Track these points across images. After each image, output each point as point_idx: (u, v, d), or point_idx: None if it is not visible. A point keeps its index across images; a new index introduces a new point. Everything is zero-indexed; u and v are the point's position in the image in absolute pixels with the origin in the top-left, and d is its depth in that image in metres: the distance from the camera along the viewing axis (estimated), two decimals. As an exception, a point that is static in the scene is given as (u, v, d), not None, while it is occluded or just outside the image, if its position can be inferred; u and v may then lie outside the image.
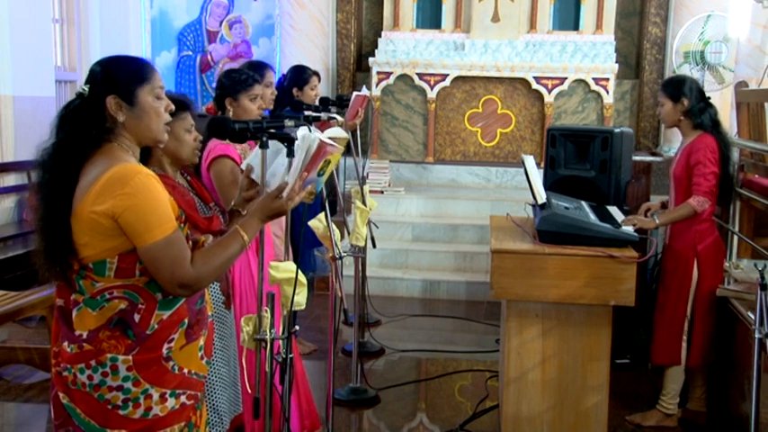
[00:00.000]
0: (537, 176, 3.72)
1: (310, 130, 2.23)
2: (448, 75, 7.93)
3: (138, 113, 1.96)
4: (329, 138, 2.39)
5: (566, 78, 7.82)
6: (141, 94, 1.96)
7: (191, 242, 2.00)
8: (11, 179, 6.53)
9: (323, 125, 3.92)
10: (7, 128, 6.48)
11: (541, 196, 3.59)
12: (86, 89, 1.94)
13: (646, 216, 3.94)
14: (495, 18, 8.02)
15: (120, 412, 1.92)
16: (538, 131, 7.99)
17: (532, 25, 8.09)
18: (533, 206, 3.77)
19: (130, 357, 1.91)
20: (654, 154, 7.40)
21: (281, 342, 2.48)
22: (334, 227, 3.52)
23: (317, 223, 3.50)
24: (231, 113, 3.24)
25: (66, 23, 7.80)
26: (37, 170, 1.94)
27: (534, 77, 7.84)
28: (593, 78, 7.80)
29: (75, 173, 1.89)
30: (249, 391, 2.40)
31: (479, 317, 5.81)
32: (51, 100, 6.95)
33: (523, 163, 3.82)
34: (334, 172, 3.38)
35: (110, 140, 1.94)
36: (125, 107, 1.94)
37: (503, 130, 8.09)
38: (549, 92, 7.85)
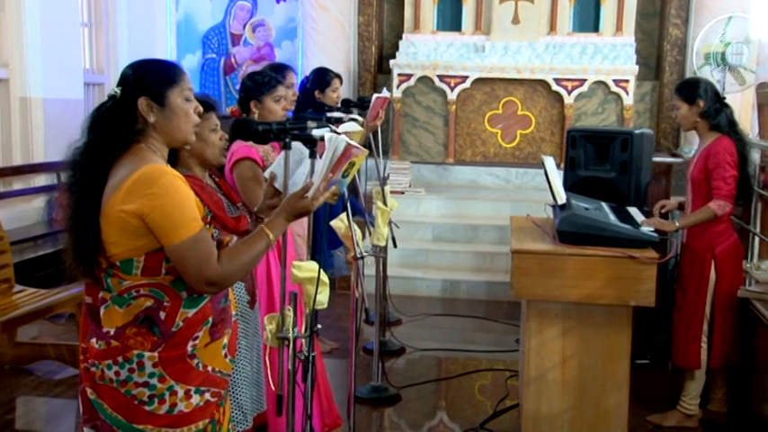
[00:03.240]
0: (557, 177, 3.70)
1: (337, 133, 2.24)
2: (468, 76, 7.91)
3: (168, 114, 1.98)
4: (345, 132, 2.40)
5: (585, 80, 7.77)
6: (171, 96, 1.98)
7: (215, 242, 2.01)
8: (41, 179, 6.60)
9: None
10: (37, 129, 6.56)
11: (561, 197, 3.57)
12: (118, 91, 1.96)
13: (661, 213, 3.91)
14: (515, 20, 7.99)
15: (146, 408, 1.93)
16: (558, 133, 7.95)
17: (552, 27, 8.05)
18: (553, 207, 3.75)
19: (156, 354, 1.93)
20: (674, 155, 7.33)
21: (303, 340, 2.49)
22: (355, 227, 3.52)
23: (339, 223, 3.50)
24: (256, 115, 3.25)
25: (95, 27, 7.88)
26: (68, 169, 1.96)
27: (554, 79, 7.80)
28: (613, 80, 7.75)
29: (104, 172, 1.91)
30: (273, 388, 2.40)
31: (499, 316, 5.78)
32: (80, 102, 7.02)
33: (543, 164, 3.80)
34: (356, 172, 3.38)
35: (139, 141, 1.96)
36: (155, 108, 1.96)
37: (523, 132, 8.06)
38: (569, 93, 7.81)
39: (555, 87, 7.83)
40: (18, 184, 6.40)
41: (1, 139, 6.47)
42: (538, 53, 7.94)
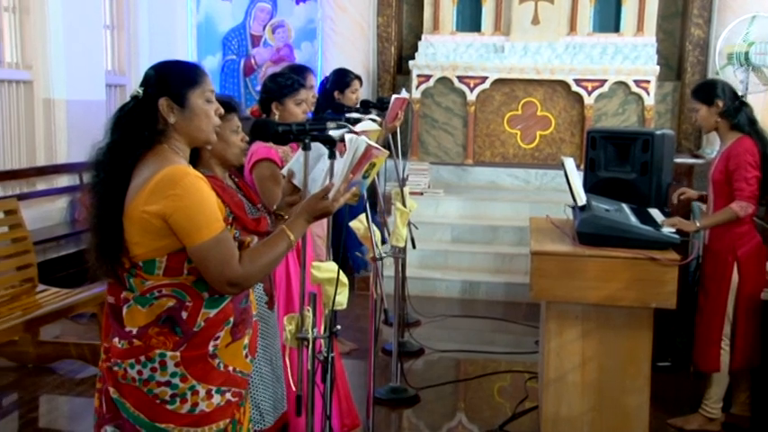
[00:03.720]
0: (577, 178, 3.68)
1: (355, 132, 2.24)
2: (487, 77, 7.89)
3: (189, 115, 1.99)
4: (362, 131, 2.40)
5: (606, 80, 7.72)
6: (192, 97, 1.99)
7: (237, 243, 2.02)
8: (64, 180, 6.67)
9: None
10: (60, 130, 6.63)
11: (581, 198, 3.55)
12: (141, 91, 1.98)
13: (679, 199, 3.88)
14: (535, 20, 7.95)
15: (168, 407, 1.95)
16: (577, 133, 7.90)
17: (572, 27, 8.01)
18: (573, 208, 3.73)
19: (178, 353, 1.94)
20: (695, 156, 7.27)
21: (322, 341, 2.49)
22: (374, 228, 3.53)
23: (359, 224, 3.51)
24: (277, 117, 3.26)
25: (116, 29, 7.94)
26: (91, 169, 1.98)
27: (574, 80, 7.77)
28: (634, 80, 7.69)
29: (127, 173, 1.93)
30: (293, 388, 2.41)
31: (518, 318, 5.76)
32: (102, 103, 7.09)
33: (563, 165, 3.78)
34: (376, 174, 3.39)
35: (161, 142, 1.97)
36: (176, 109, 1.98)
37: (542, 132, 8.03)
38: (589, 94, 7.77)
39: (575, 88, 7.79)
40: (41, 184, 6.47)
41: (25, 140, 6.55)
42: (558, 53, 7.90)
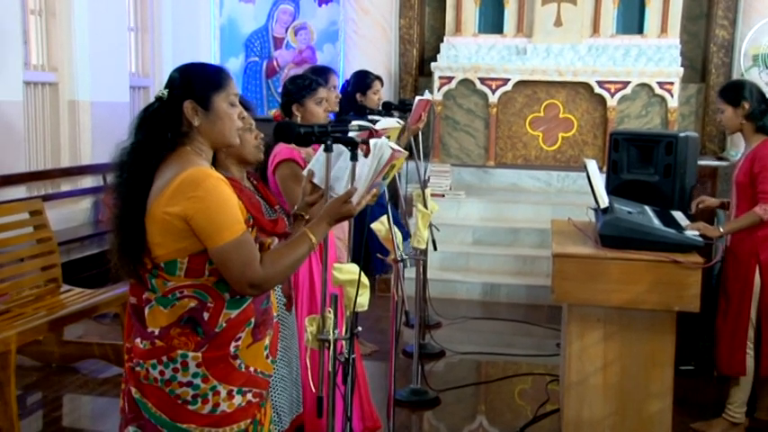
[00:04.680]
0: (599, 180, 3.66)
1: (375, 131, 2.25)
2: (510, 79, 7.86)
3: (213, 119, 2.00)
4: (383, 129, 2.40)
5: (629, 82, 7.66)
6: (216, 100, 2.00)
7: (257, 244, 2.03)
8: (88, 181, 6.73)
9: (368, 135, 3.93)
10: (85, 132, 6.71)
11: (604, 200, 3.52)
12: (165, 93, 1.99)
13: (698, 209, 3.83)
14: (558, 22, 7.91)
15: (190, 407, 1.96)
16: (600, 136, 7.85)
17: (595, 29, 7.95)
18: (595, 210, 3.70)
19: (200, 354, 1.95)
20: (720, 158, 7.19)
21: (343, 342, 2.49)
22: (396, 230, 3.52)
23: (380, 226, 3.51)
24: (298, 118, 3.27)
25: (141, 32, 8.02)
26: (114, 170, 2.00)
27: (597, 81, 7.71)
28: (658, 82, 7.63)
29: (150, 174, 1.94)
30: (313, 390, 2.42)
31: (540, 320, 5.73)
32: (126, 105, 7.16)
33: (585, 167, 3.76)
34: (396, 175, 3.39)
35: (184, 144, 1.99)
36: (200, 112, 1.99)
37: (564, 135, 7.98)
38: (612, 96, 7.71)
39: (598, 90, 7.74)
40: (66, 185, 6.53)
41: (50, 141, 6.63)
42: (580, 55, 7.86)
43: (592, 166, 3.73)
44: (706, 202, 3.91)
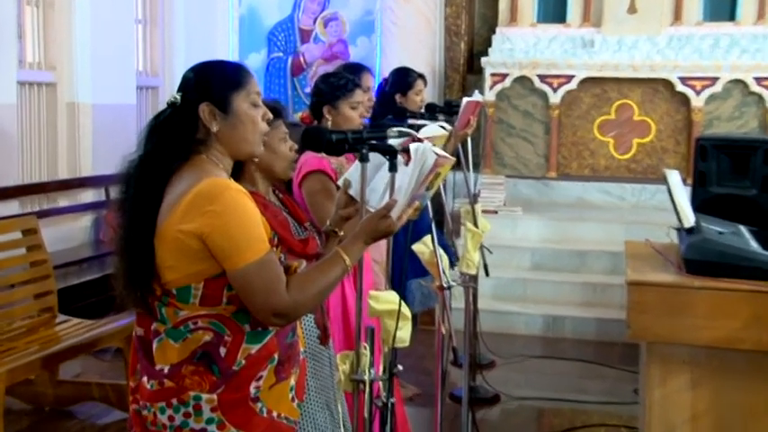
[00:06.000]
0: (683, 195, 3.62)
1: (418, 139, 2.25)
2: (574, 76, 7.83)
3: (233, 122, 2.02)
4: (427, 137, 2.40)
5: (718, 78, 7.58)
6: (237, 101, 2.02)
7: (283, 267, 2.04)
8: (88, 195, 6.82)
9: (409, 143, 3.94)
10: (85, 138, 6.82)
11: (689, 218, 3.48)
12: (178, 97, 2.02)
13: None
14: (632, 9, 7.86)
15: (203, 459, 1.96)
16: (683, 142, 7.77)
17: (677, 16, 7.89)
18: (678, 230, 3.66)
19: (215, 396, 1.96)
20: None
21: (381, 384, 2.49)
22: (441, 252, 3.52)
23: (423, 248, 3.50)
24: (330, 123, 3.29)
25: (149, 24, 8.14)
26: (120, 184, 2.03)
27: (679, 78, 7.64)
28: (755, 78, 7.52)
29: (161, 188, 1.96)
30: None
31: (613, 361, 5.67)
32: (132, 108, 7.28)
33: (666, 179, 3.72)
34: (441, 188, 3.39)
35: (199, 152, 2.01)
36: (219, 115, 2.01)
37: (640, 141, 7.92)
38: (698, 94, 7.63)
39: (680, 87, 7.67)
40: (63, 200, 6.64)
41: (46, 149, 6.75)
42: (659, 47, 7.80)
43: (673, 177, 3.70)
44: None
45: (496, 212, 6.99)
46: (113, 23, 7.02)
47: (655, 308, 3.24)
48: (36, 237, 4.70)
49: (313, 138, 2.42)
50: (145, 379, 2.01)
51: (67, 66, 6.74)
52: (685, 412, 3.29)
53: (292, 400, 2.09)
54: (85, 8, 6.72)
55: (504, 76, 7.97)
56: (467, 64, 8.68)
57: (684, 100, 7.73)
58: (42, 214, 5.89)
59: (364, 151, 2.33)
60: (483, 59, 8.07)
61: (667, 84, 7.73)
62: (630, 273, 3.37)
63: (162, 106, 2.09)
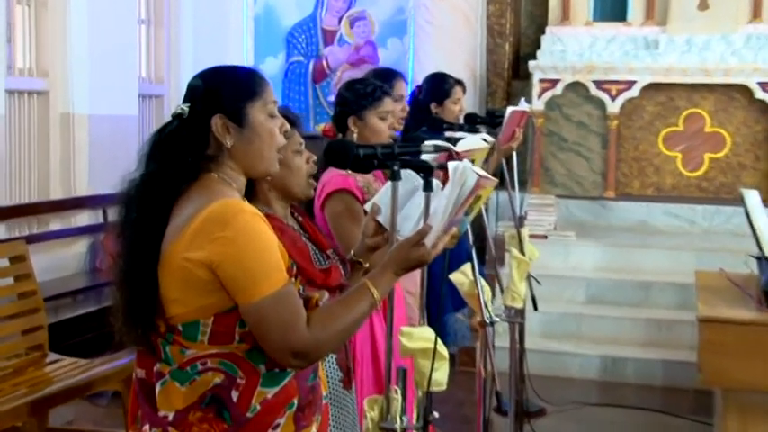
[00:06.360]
0: (763, 218, 3.60)
1: (456, 154, 2.25)
2: (636, 82, 7.82)
3: (249, 136, 2.04)
4: (465, 150, 2.40)
5: (806, 84, 7.54)
6: (252, 112, 2.04)
7: (302, 300, 2.04)
8: (83, 218, 6.86)
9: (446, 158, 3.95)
10: (81, 153, 6.87)
11: (770, 246, 3.47)
12: (186, 109, 2.04)
13: None
14: (703, 5, 7.85)
15: None
16: (763, 157, 7.73)
17: (756, 13, 7.87)
18: (759, 259, 3.64)
19: (226, 447, 1.97)
20: None
21: (414, 433, 2.48)
22: (483, 283, 3.51)
23: (462, 278, 3.50)
24: (355, 136, 3.31)
25: (153, 25, 8.21)
26: (120, 206, 2.04)
27: (759, 83, 7.61)
28: None
29: (166, 211, 1.98)
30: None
31: (682, 410, 5.61)
32: (134, 119, 7.34)
33: (743, 200, 3.71)
34: (483, 210, 3.39)
35: (209, 170, 2.03)
36: (233, 129, 2.03)
37: (712, 156, 7.87)
38: (781, 102, 7.60)
39: (760, 95, 7.63)
40: (55, 223, 6.68)
41: (37, 166, 6.80)
42: (735, 49, 7.77)
43: (752, 198, 3.69)
44: None
45: (546, 237, 6.98)
46: (113, 24, 7.08)
47: (731, 349, 3.23)
48: (25, 264, 4.74)
49: (337, 153, 2.42)
50: (147, 427, 2.02)
51: (61, 72, 6.80)
52: (768, 470, 3.26)
53: (313, 450, 2.10)
54: (82, 7, 6.76)
55: (555, 81, 7.97)
56: (512, 68, 8.70)
57: (765, 109, 7.69)
58: (32, 239, 5.92)
59: (395, 168, 2.34)
60: (530, 63, 8.08)
61: (745, 90, 7.70)
62: (702, 308, 3.36)
63: (167, 117, 2.11)
